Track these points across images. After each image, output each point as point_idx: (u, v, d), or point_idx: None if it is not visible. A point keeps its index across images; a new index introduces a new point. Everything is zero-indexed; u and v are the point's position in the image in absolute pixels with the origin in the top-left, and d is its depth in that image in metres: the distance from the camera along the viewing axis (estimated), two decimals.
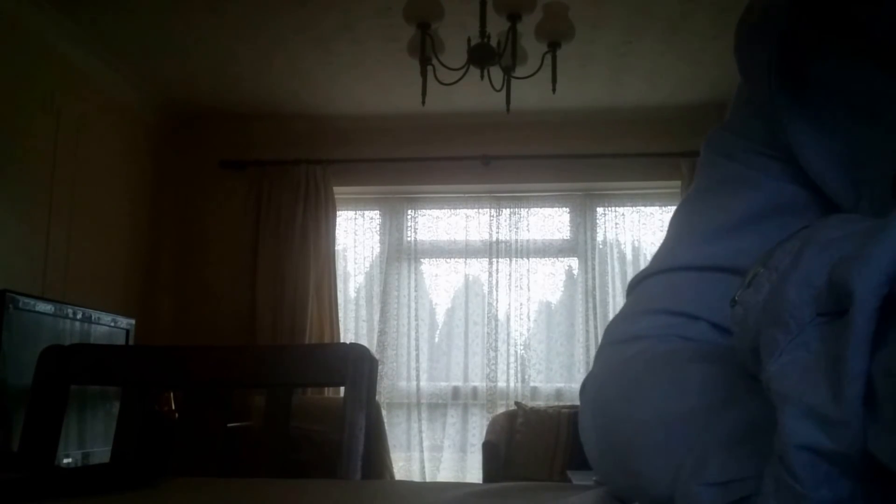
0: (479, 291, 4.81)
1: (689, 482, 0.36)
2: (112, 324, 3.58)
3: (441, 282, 4.87)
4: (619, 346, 0.55)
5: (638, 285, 0.58)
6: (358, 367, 0.99)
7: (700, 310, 0.51)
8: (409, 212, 4.89)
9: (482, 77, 2.99)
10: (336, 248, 4.73)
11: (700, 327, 0.51)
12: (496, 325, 4.72)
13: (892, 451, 0.24)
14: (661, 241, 0.59)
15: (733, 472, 0.34)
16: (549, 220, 4.87)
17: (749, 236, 0.51)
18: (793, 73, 0.49)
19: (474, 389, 4.72)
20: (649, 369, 0.48)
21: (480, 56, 2.90)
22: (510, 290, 4.75)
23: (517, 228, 4.82)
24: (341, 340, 4.53)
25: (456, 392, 4.74)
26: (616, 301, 4.61)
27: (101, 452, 3.24)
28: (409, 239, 4.85)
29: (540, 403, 4.46)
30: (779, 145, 0.51)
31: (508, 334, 4.72)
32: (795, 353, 0.28)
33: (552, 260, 4.82)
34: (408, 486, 0.79)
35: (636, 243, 4.74)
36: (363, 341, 4.65)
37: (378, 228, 4.92)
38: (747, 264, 0.33)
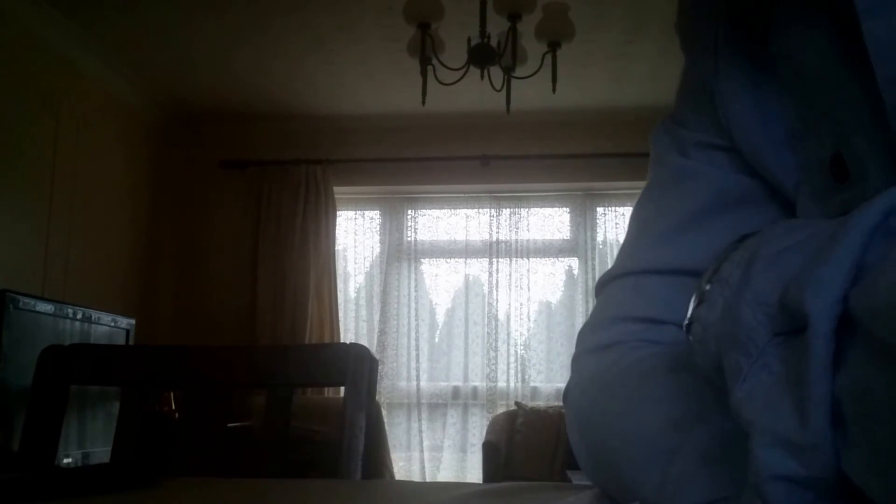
0: (479, 291, 4.81)
1: (671, 503, 0.36)
2: (112, 324, 3.58)
3: (441, 282, 4.87)
4: (592, 354, 0.54)
5: (604, 288, 0.58)
6: (358, 367, 0.99)
7: (665, 314, 0.51)
8: (409, 212, 4.89)
9: (482, 77, 2.99)
10: (336, 248, 4.73)
11: (668, 330, 0.51)
12: (496, 325, 4.72)
13: (864, 472, 0.24)
14: (623, 238, 0.59)
15: (712, 492, 0.34)
16: (549, 220, 4.87)
17: (702, 235, 0.51)
18: (737, 51, 0.48)
19: (474, 389, 4.72)
20: (623, 381, 0.48)
21: (480, 56, 2.90)
22: (510, 290, 4.75)
23: (517, 228, 4.82)
24: (341, 340, 4.53)
25: (456, 392, 4.74)
26: None
27: (101, 452, 3.24)
28: (409, 239, 4.85)
29: (540, 403, 4.47)
30: (724, 131, 0.50)
31: (508, 334, 4.72)
32: (758, 377, 0.27)
33: (552, 260, 4.82)
34: (408, 486, 0.79)
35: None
36: (363, 341, 4.65)
37: (378, 228, 4.92)
38: (703, 264, 0.33)
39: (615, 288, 0.56)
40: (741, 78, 0.48)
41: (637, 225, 0.58)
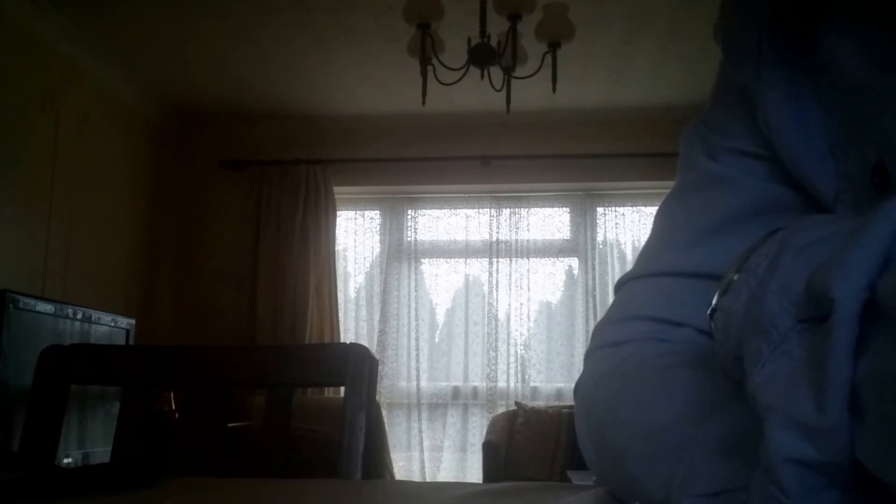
0: (479, 291, 4.81)
1: (679, 494, 0.36)
2: (112, 324, 3.57)
3: (441, 282, 4.87)
4: (607, 350, 0.54)
5: (624, 287, 0.57)
6: (358, 367, 0.99)
7: (685, 317, 0.51)
8: (409, 212, 4.89)
9: (482, 77, 2.99)
10: (336, 248, 4.73)
11: (686, 333, 0.51)
12: (496, 325, 4.72)
13: (880, 459, 0.24)
14: (646, 239, 0.59)
15: (722, 482, 0.34)
16: (549, 220, 4.87)
17: (731, 240, 0.50)
18: (780, 59, 0.48)
19: (474, 389, 4.72)
20: (638, 375, 0.48)
21: (480, 56, 2.90)
22: (510, 290, 4.75)
23: (517, 228, 4.82)
24: (341, 340, 4.53)
25: (456, 392, 4.74)
26: None
27: (101, 452, 3.24)
28: (409, 239, 4.85)
29: (540, 403, 4.46)
30: (760, 139, 0.50)
31: (508, 334, 4.72)
32: (779, 363, 0.27)
33: (552, 260, 4.82)
34: (408, 485, 0.79)
35: (636, 243, 4.74)
36: (363, 341, 4.65)
37: (378, 228, 4.92)
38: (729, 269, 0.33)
39: (635, 287, 0.56)
40: (783, 85, 0.47)
41: (661, 227, 0.57)
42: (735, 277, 0.31)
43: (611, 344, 0.54)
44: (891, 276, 0.24)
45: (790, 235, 0.30)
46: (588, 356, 0.56)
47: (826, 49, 0.45)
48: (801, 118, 0.47)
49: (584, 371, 0.56)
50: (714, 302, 0.33)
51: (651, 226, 0.59)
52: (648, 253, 0.57)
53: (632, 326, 0.54)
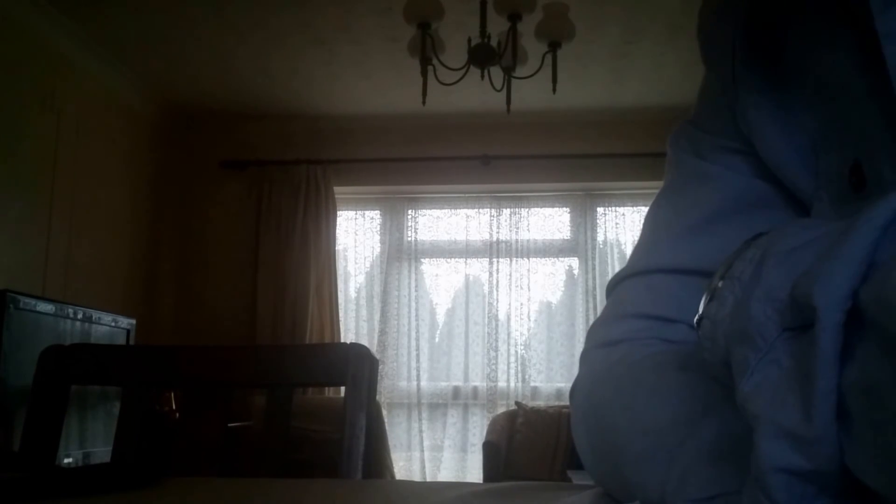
0: (479, 291, 4.81)
1: (674, 497, 0.36)
2: (112, 324, 3.57)
3: (441, 282, 4.87)
4: (602, 350, 0.55)
5: (616, 287, 0.58)
6: (358, 366, 0.99)
7: (677, 313, 0.51)
8: (410, 212, 4.89)
9: (482, 77, 2.99)
10: (336, 247, 4.74)
11: (679, 329, 0.51)
12: (496, 325, 4.72)
13: (868, 466, 0.24)
14: (637, 239, 0.59)
15: (716, 487, 0.34)
16: (549, 220, 4.87)
17: (719, 236, 0.51)
18: (756, 60, 0.48)
19: (475, 389, 4.72)
20: (631, 376, 0.48)
21: (481, 56, 2.90)
22: (510, 290, 4.75)
23: (517, 228, 4.82)
24: (342, 340, 4.53)
25: (456, 392, 4.74)
26: None
27: (101, 452, 3.24)
28: (409, 239, 4.85)
29: (540, 403, 4.47)
30: (744, 137, 0.50)
31: (509, 334, 4.72)
32: (765, 371, 0.27)
33: (552, 260, 4.82)
34: (408, 485, 0.79)
35: (636, 243, 4.73)
36: (363, 341, 4.65)
37: (378, 228, 4.92)
38: (717, 265, 0.33)
39: (627, 286, 0.56)
40: (760, 88, 0.48)
41: (652, 226, 0.58)
42: (720, 284, 0.31)
43: (604, 344, 0.55)
44: (873, 284, 0.24)
45: (774, 241, 0.30)
46: (583, 357, 0.57)
47: (801, 54, 0.45)
48: (779, 119, 0.47)
49: (580, 371, 0.56)
50: (700, 309, 0.33)
51: (641, 226, 0.60)
52: (638, 252, 0.58)
53: (624, 325, 0.54)
